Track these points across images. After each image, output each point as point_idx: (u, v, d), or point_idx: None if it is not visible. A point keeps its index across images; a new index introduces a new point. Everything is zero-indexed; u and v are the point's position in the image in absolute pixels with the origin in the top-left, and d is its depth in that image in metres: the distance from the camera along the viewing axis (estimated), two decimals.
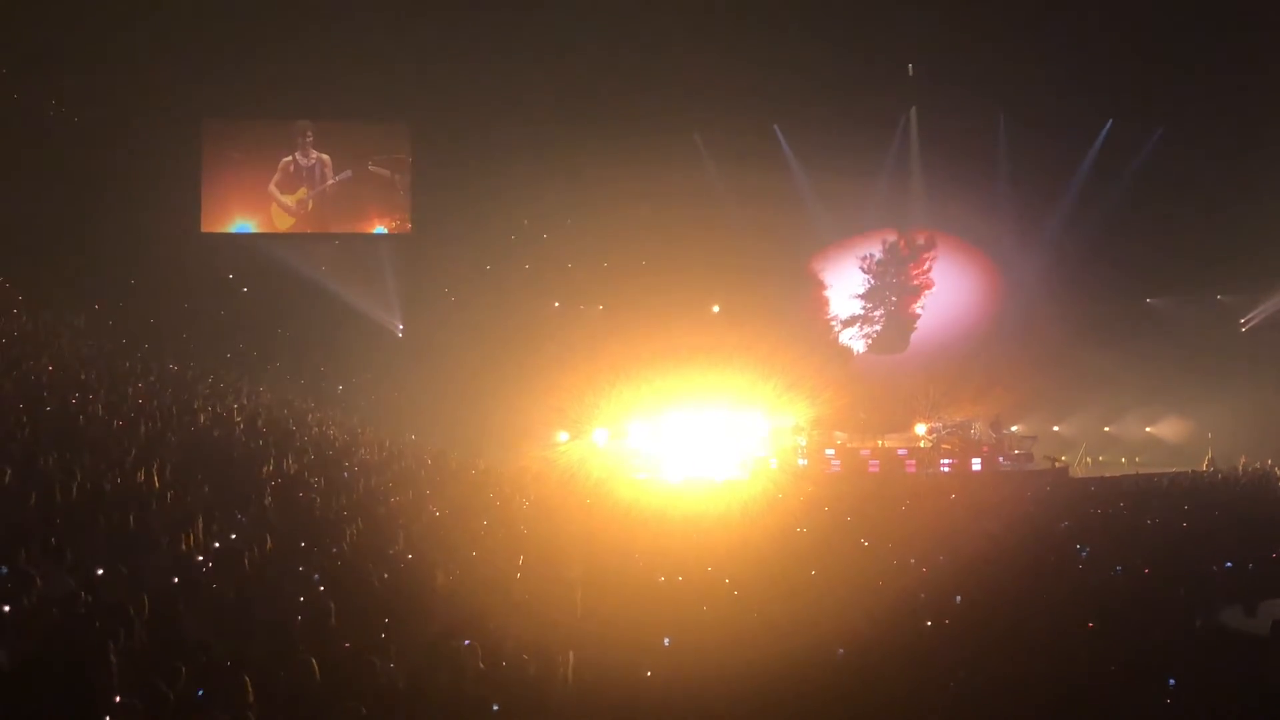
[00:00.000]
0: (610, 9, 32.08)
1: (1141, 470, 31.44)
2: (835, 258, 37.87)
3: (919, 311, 37.58)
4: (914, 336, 37.72)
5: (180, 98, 32.90)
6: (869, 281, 37.65)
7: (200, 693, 8.28)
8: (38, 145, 31.37)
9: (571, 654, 10.02)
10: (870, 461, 31.46)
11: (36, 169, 30.80)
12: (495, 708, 8.78)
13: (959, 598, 13.45)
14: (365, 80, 33.54)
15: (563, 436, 33.49)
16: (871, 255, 37.54)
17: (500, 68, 33.21)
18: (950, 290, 37.56)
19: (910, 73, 35.39)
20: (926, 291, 37.55)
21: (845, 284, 37.85)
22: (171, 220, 33.94)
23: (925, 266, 37.43)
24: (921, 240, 37.45)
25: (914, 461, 31.41)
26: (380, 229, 36.56)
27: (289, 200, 35.96)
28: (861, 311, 37.81)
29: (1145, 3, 32.26)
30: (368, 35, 32.36)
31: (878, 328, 37.80)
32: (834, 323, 37.89)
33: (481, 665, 9.43)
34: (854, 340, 37.88)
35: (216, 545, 13.02)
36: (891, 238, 37.46)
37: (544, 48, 32.98)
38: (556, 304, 36.83)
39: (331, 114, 36.02)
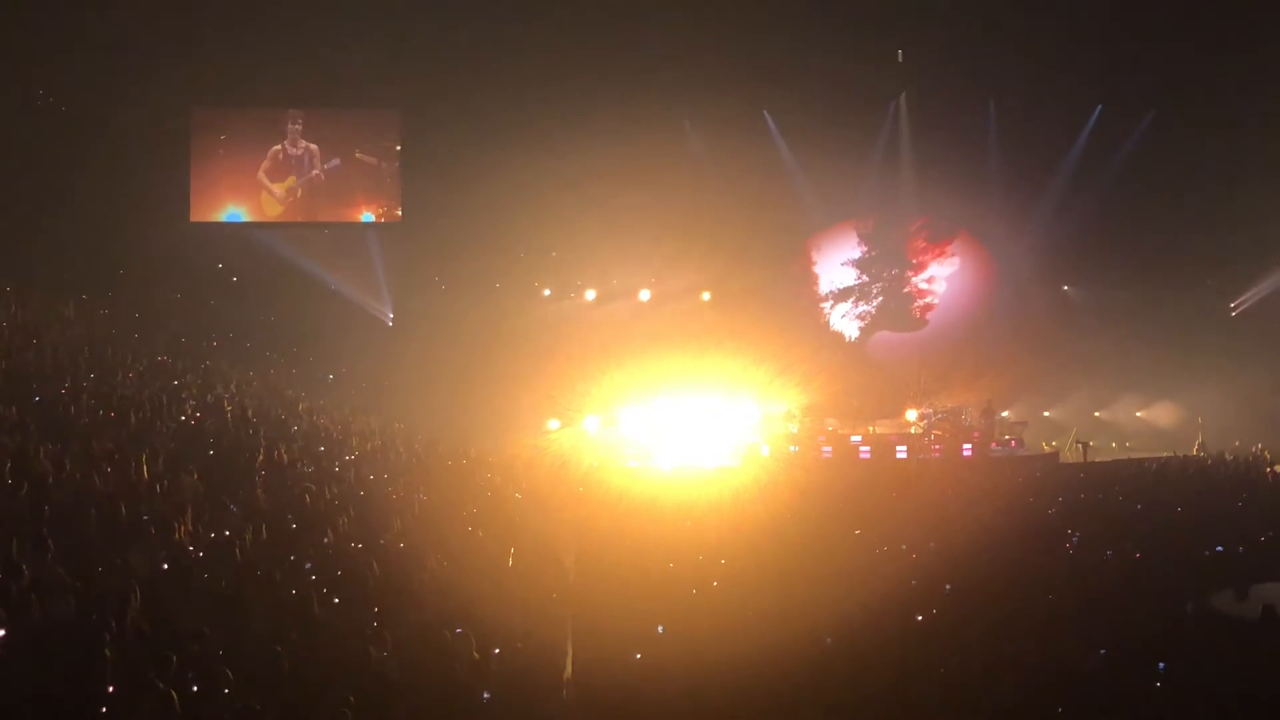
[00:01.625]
0: None
1: (1133, 455, 31.52)
2: (827, 242, 37.81)
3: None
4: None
5: (168, 86, 32.69)
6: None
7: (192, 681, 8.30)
8: (25, 134, 31.22)
9: (569, 643, 10.06)
10: (862, 448, 31.48)
11: (23, 158, 30.67)
12: (486, 695, 8.80)
13: (948, 586, 13.50)
14: (354, 67, 33.39)
15: (553, 424, 33.46)
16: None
17: (489, 54, 33.10)
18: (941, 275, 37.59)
19: (900, 58, 35.27)
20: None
21: (838, 265, 37.76)
22: (160, 209, 33.80)
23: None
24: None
25: (905, 447, 31.43)
26: (369, 216, 36.41)
27: (278, 189, 35.81)
28: (856, 282, 37.68)
29: None
30: (356, 22, 32.19)
31: (877, 301, 37.63)
32: (827, 303, 37.78)
33: (476, 655, 9.45)
34: (847, 319, 37.74)
35: (208, 535, 13.01)
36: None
37: (533, 33, 32.83)
38: (546, 291, 36.75)
39: (320, 101, 35.86)
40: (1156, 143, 34.49)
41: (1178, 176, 33.67)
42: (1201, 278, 36.21)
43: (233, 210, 35.45)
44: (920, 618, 12.23)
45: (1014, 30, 32.27)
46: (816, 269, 37.83)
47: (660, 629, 10.91)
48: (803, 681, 9.58)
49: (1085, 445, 31.93)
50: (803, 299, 37.66)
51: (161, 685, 7.99)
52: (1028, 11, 32.42)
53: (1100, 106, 35.28)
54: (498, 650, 9.86)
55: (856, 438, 31.79)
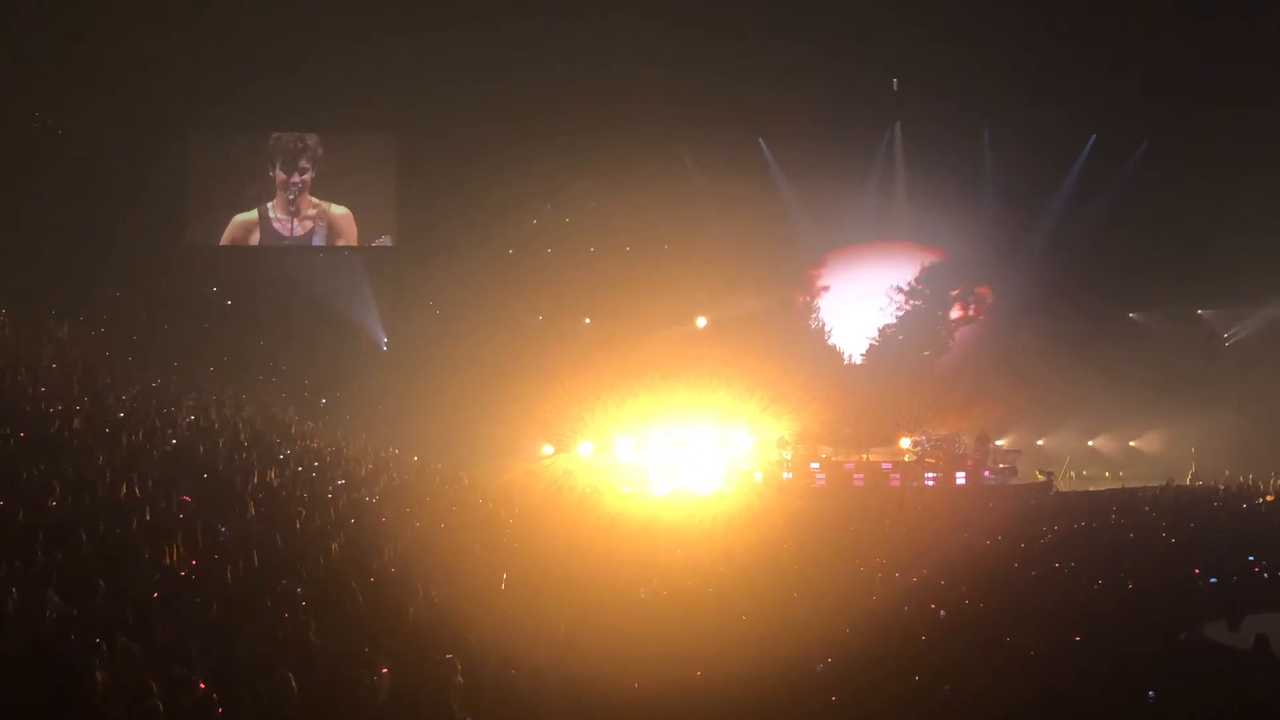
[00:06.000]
0: (596, 24, 32.12)
1: (1126, 485, 31.53)
2: (824, 267, 37.85)
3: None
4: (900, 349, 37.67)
5: (166, 110, 32.79)
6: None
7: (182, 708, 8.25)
8: (21, 158, 31.21)
9: (562, 668, 10.00)
10: (855, 475, 31.47)
11: (19, 182, 30.65)
12: None
13: (943, 612, 13.48)
14: (352, 92, 33.49)
15: (548, 450, 33.46)
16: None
17: (487, 81, 33.17)
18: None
19: (895, 87, 35.44)
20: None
21: (842, 291, 37.84)
22: (156, 233, 33.82)
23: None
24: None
25: (898, 475, 31.42)
26: (365, 241, 36.46)
27: (273, 213, 35.87)
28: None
29: (1130, 19, 32.35)
30: (355, 48, 32.31)
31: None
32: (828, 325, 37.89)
33: (460, 679, 9.38)
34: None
35: (199, 559, 12.95)
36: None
37: (531, 61, 32.94)
38: (540, 317, 36.71)
39: (318, 126, 35.94)
40: (1150, 173, 34.61)
41: (1171, 206, 33.79)
42: (1195, 308, 36.36)
43: (228, 235, 35.45)
44: (923, 638, 12.23)
45: (1009, 60, 32.44)
46: (815, 294, 37.89)
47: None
48: (797, 706, 9.56)
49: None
50: (799, 325, 37.69)
51: (150, 698, 7.96)
52: (1022, 41, 32.57)
53: (1094, 136, 35.44)
54: (490, 677, 9.81)
55: (850, 465, 31.78)
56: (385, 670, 9.40)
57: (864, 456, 32.37)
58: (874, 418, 34.04)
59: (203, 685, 8.52)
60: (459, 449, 29.93)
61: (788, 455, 32.29)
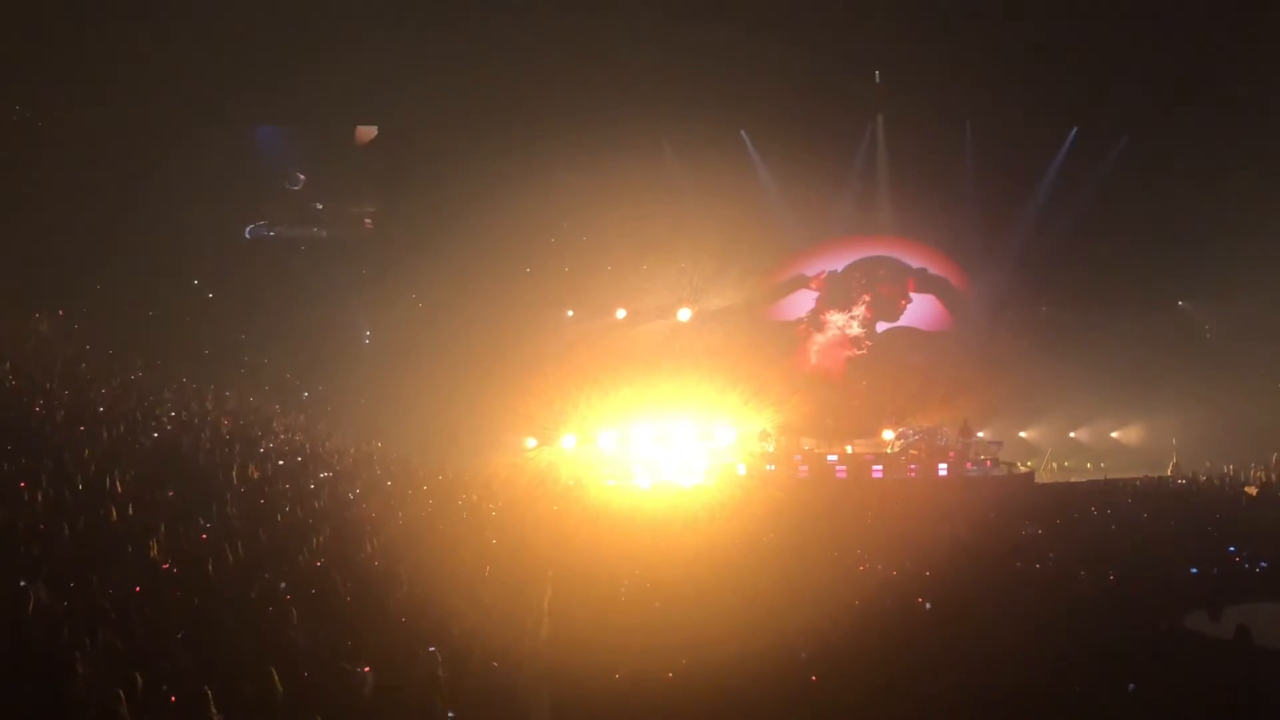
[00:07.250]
0: (578, 16, 32.03)
1: (1107, 476, 31.64)
2: (806, 261, 37.80)
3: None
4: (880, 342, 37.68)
5: (154, 104, 32.55)
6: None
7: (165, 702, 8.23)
8: (2, 152, 31.03)
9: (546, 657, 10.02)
10: (838, 467, 31.50)
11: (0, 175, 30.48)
12: (450, 715, 8.77)
13: (928, 605, 13.51)
14: (334, 84, 33.33)
15: (530, 443, 33.43)
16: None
17: (469, 74, 33.02)
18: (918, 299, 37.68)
19: (877, 79, 35.45)
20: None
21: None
22: (138, 226, 33.60)
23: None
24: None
25: (881, 467, 31.46)
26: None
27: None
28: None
29: (1112, 12, 32.41)
30: (339, 40, 32.12)
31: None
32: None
33: (440, 673, 9.39)
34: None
35: (181, 553, 12.91)
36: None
37: (513, 55, 32.83)
38: (525, 310, 36.63)
39: (303, 120, 35.87)
40: (1131, 165, 34.69)
41: (1153, 199, 33.88)
42: (1175, 299, 36.49)
43: None
44: (901, 631, 12.25)
45: (990, 53, 32.46)
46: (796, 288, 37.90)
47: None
48: (777, 696, 9.58)
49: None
50: (780, 317, 37.67)
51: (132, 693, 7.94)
52: (1004, 35, 32.59)
53: (1075, 129, 35.50)
54: (472, 669, 9.82)
55: (833, 457, 31.81)
56: (368, 666, 9.40)
57: (847, 449, 32.42)
58: (857, 410, 34.12)
59: (185, 681, 8.50)
60: (442, 442, 29.89)
61: (770, 447, 32.32)
